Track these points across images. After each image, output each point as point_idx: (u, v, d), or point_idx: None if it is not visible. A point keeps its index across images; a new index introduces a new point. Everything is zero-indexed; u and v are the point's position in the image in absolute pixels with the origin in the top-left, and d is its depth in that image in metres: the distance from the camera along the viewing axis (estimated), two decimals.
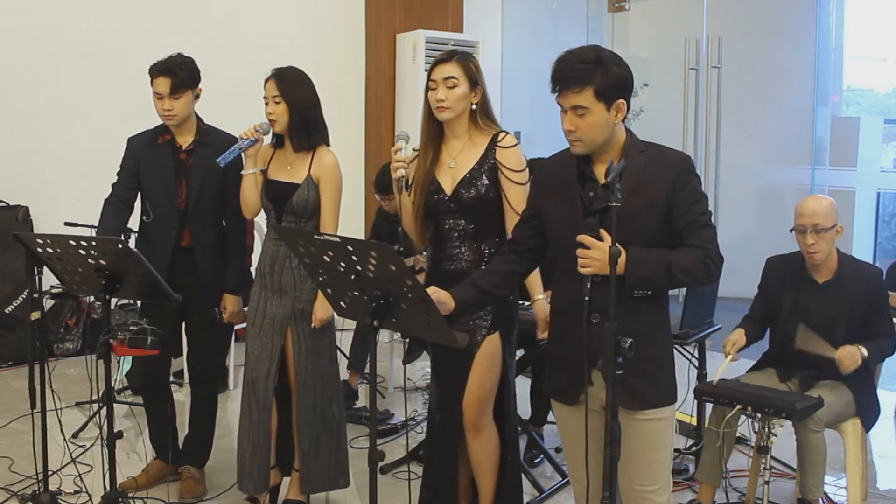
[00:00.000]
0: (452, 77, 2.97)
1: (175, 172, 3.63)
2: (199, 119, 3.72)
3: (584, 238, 2.31)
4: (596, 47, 2.39)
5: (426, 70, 3.10)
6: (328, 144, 3.45)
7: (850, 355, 3.38)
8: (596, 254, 2.29)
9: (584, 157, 2.46)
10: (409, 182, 3.08)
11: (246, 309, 3.76)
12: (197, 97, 3.66)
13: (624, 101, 2.36)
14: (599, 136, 2.37)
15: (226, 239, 3.71)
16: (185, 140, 3.67)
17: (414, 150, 3.10)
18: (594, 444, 2.42)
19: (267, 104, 3.36)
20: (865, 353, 3.40)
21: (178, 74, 3.55)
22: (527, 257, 2.66)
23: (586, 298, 2.34)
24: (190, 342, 3.82)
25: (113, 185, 3.74)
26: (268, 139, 3.46)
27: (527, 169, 3.05)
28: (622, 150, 2.41)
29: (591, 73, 2.31)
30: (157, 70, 3.58)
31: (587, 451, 2.43)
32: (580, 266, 2.31)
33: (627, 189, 2.34)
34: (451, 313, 2.54)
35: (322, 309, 3.34)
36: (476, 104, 3.03)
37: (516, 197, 2.99)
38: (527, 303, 3.23)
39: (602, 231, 2.32)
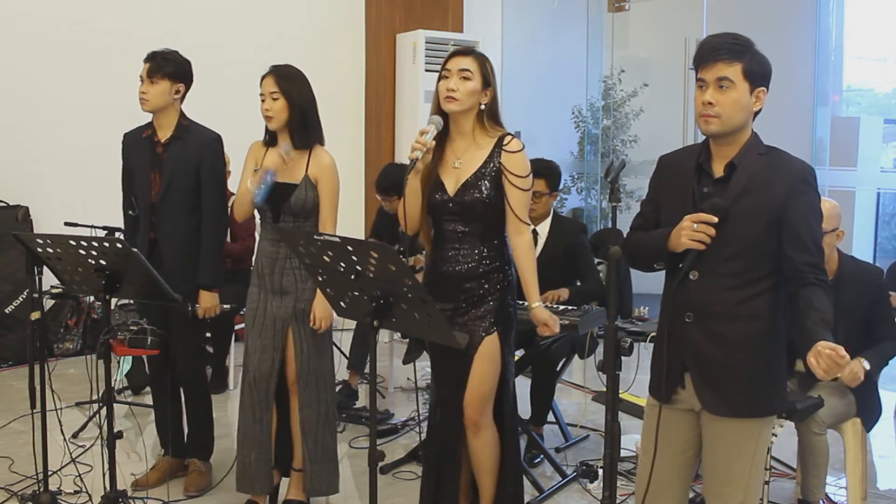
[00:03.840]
0: (468, 70, 2.95)
1: (150, 165, 3.70)
2: (182, 115, 3.76)
3: (700, 215, 2.33)
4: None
5: (426, 70, 3.09)
6: (323, 143, 3.45)
7: (852, 375, 3.34)
8: (709, 231, 2.32)
9: (704, 151, 2.45)
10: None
11: (226, 306, 3.77)
12: (179, 94, 3.71)
13: (764, 91, 2.38)
14: (737, 116, 2.36)
15: (201, 235, 3.71)
16: (165, 134, 3.73)
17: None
18: (675, 444, 2.50)
19: (263, 101, 3.36)
20: (867, 366, 3.38)
21: (158, 61, 3.65)
22: None
23: (688, 271, 2.38)
24: (173, 339, 3.78)
25: (123, 196, 3.80)
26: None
27: (531, 175, 3.03)
28: (742, 148, 2.40)
29: (744, 52, 2.35)
30: (145, 56, 3.70)
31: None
32: (688, 237, 2.33)
33: (737, 190, 2.35)
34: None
35: (322, 309, 3.33)
36: (485, 105, 3.00)
37: (518, 202, 2.97)
38: (525, 303, 3.22)
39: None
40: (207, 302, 3.69)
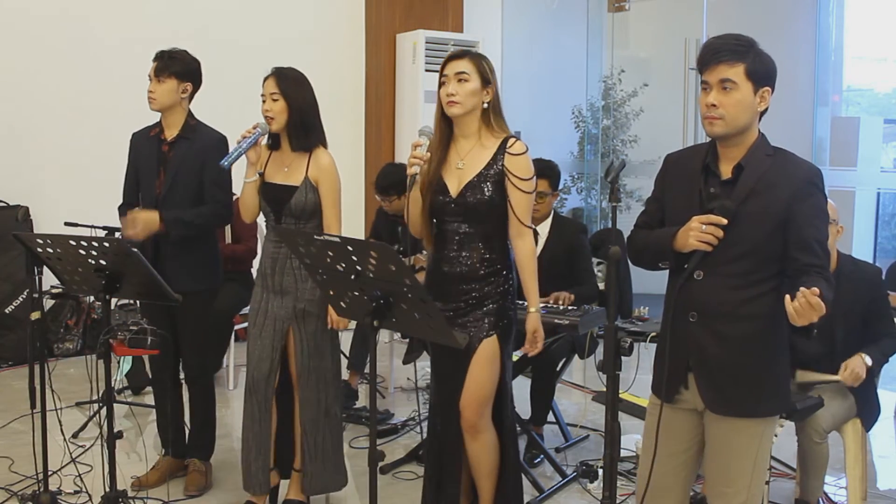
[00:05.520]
0: (464, 72, 2.96)
1: (157, 163, 3.72)
2: (189, 115, 3.78)
3: (709, 217, 2.33)
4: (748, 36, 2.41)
5: (426, 70, 3.09)
6: (325, 146, 3.46)
7: (853, 374, 3.34)
8: (717, 233, 2.31)
9: (711, 152, 2.45)
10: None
11: (134, 249, 3.78)
12: (187, 93, 3.72)
13: (769, 91, 2.38)
14: (741, 117, 2.35)
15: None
16: (172, 133, 3.75)
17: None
18: (677, 444, 2.51)
19: (264, 101, 3.38)
20: (870, 361, 3.38)
21: (165, 60, 3.68)
22: None
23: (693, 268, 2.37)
24: (181, 338, 3.81)
25: (124, 193, 3.84)
26: (265, 139, 3.47)
27: (534, 177, 3.03)
28: (749, 149, 2.40)
29: (746, 52, 2.35)
30: (154, 55, 3.73)
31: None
32: (696, 238, 2.33)
33: (745, 192, 2.35)
34: None
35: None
36: (488, 103, 3.01)
37: (521, 205, 2.98)
38: (525, 303, 3.22)
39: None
40: (146, 220, 3.58)
